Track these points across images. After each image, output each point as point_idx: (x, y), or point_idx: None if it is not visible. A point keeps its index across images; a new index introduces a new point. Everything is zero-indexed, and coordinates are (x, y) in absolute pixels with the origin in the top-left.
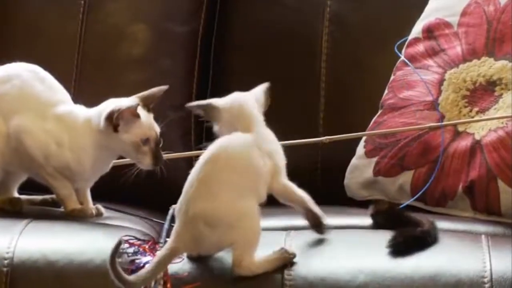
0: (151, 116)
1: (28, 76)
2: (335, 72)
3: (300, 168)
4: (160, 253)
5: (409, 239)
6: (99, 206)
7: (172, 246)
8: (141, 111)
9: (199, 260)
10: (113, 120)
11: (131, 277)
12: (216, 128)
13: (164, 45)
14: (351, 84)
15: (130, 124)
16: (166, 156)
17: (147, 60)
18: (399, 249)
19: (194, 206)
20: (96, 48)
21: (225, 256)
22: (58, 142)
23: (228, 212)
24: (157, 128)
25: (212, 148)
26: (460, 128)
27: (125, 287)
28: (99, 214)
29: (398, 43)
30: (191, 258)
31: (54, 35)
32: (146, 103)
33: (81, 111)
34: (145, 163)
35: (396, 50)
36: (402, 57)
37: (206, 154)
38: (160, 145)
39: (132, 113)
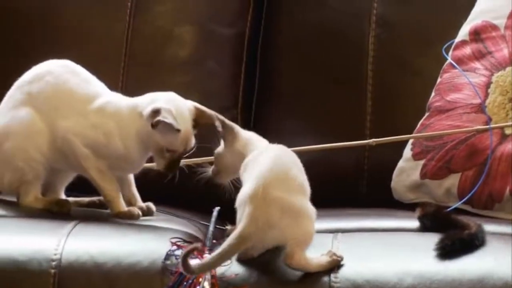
0: (193, 132)
1: (60, 71)
2: (382, 74)
3: (346, 171)
4: (229, 239)
5: (457, 242)
6: (150, 204)
7: (244, 231)
8: (186, 124)
9: (247, 262)
10: (153, 120)
11: (195, 264)
12: (218, 149)
13: (210, 47)
14: (397, 87)
15: (167, 130)
16: (187, 161)
17: (194, 62)
18: (446, 251)
19: (273, 192)
20: (143, 50)
21: (273, 260)
22: (105, 133)
23: (300, 207)
24: (191, 144)
25: (273, 147)
26: (507, 131)
27: (187, 273)
28: (149, 213)
29: (446, 45)
30: (240, 261)
31: (101, 38)
32: (197, 119)
33: (121, 99)
34: (159, 165)
35: (444, 52)
36: (450, 60)
37: (271, 151)
38: (189, 153)
39: (167, 127)
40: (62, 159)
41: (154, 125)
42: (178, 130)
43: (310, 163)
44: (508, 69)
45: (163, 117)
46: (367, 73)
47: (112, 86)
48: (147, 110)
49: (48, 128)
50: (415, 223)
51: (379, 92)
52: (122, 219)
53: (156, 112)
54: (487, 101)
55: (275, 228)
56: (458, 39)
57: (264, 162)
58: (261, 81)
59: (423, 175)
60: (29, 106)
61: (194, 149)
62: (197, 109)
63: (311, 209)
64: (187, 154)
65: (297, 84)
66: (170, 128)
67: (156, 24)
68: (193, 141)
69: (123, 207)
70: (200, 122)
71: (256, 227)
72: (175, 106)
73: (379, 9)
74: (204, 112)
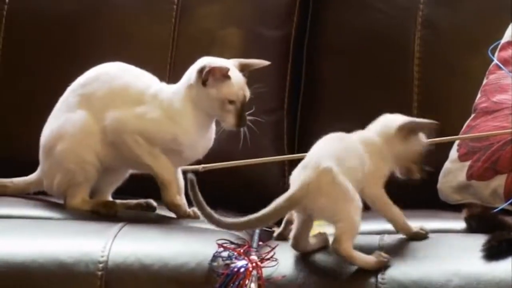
0: (244, 80)
1: (113, 70)
2: (428, 76)
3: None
4: (278, 200)
5: (504, 243)
6: (195, 210)
7: (295, 194)
8: (234, 72)
9: (294, 264)
10: (203, 75)
11: (240, 220)
12: None
13: (256, 49)
14: (443, 88)
15: (219, 82)
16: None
17: None
18: (493, 253)
19: (326, 162)
20: (188, 52)
21: (320, 262)
22: (154, 119)
23: (350, 191)
24: (247, 92)
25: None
26: None
27: (235, 229)
28: (195, 217)
29: (491, 47)
30: (279, 238)
31: (146, 40)
32: (243, 69)
33: (171, 86)
34: (228, 121)
35: (490, 54)
36: (495, 61)
37: (328, 136)
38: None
39: (222, 73)
40: (115, 154)
41: (204, 81)
42: (228, 76)
43: None
44: None
45: (209, 66)
46: (412, 75)
47: None
48: (194, 75)
49: (100, 127)
50: (462, 224)
51: (425, 94)
52: (170, 211)
53: (201, 70)
54: None
55: (325, 197)
56: (504, 40)
57: (321, 141)
58: (307, 83)
59: (469, 176)
60: (82, 108)
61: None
62: (239, 61)
63: (359, 199)
64: (248, 108)
65: (342, 87)
66: (220, 76)
67: (201, 26)
68: (247, 89)
69: (177, 197)
70: (245, 69)
71: (307, 191)
72: (215, 60)
73: (425, 10)
74: (246, 62)
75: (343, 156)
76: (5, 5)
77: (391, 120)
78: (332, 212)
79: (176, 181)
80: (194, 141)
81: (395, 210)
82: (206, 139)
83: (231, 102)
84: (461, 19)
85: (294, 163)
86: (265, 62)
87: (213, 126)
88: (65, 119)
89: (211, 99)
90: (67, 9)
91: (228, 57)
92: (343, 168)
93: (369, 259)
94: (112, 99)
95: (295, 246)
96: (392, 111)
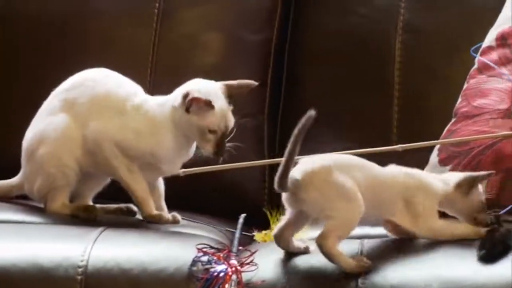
0: (230, 108)
1: (97, 77)
2: (408, 80)
3: None
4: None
5: (498, 245)
6: (176, 214)
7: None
8: (220, 101)
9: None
10: (186, 102)
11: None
12: None
13: (237, 53)
14: (424, 92)
15: (202, 110)
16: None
17: (220, 69)
18: (489, 255)
19: (322, 161)
20: (169, 57)
21: (300, 267)
22: (136, 131)
23: (347, 188)
24: (230, 122)
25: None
26: None
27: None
28: (175, 222)
29: (473, 48)
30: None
31: (128, 44)
32: (230, 93)
33: (154, 98)
34: (207, 150)
35: (472, 53)
36: (477, 57)
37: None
38: (231, 135)
39: (206, 103)
40: (93, 162)
41: (188, 108)
42: (212, 106)
43: None
44: None
45: (191, 95)
46: (393, 79)
47: None
48: (178, 99)
49: (81, 133)
50: None
51: (406, 99)
52: (150, 223)
53: (186, 96)
54: None
55: (317, 191)
56: (484, 44)
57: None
58: (288, 87)
59: None
60: (65, 112)
61: (234, 130)
62: (226, 85)
63: (360, 203)
64: (230, 135)
65: (323, 91)
66: (203, 106)
67: (182, 30)
68: (232, 119)
69: (154, 209)
70: (233, 93)
71: (304, 173)
72: (202, 86)
73: (406, 14)
74: (234, 84)
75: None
76: None
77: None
78: (322, 207)
79: (150, 196)
80: (173, 157)
81: (459, 227)
82: (185, 155)
83: (211, 131)
84: (442, 24)
85: (275, 168)
86: (253, 83)
87: (194, 144)
88: (47, 123)
89: (192, 126)
90: (54, 13)
91: (210, 61)
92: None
93: (350, 261)
94: (94, 106)
95: (277, 239)
96: (373, 115)
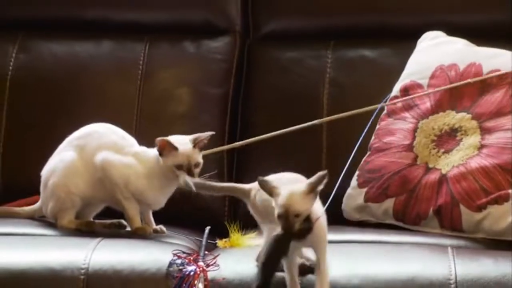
0: (195, 150)
1: (103, 130)
2: (335, 124)
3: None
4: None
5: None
6: (162, 226)
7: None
8: (184, 145)
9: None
10: (157, 147)
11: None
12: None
13: (202, 104)
14: (347, 133)
15: (169, 152)
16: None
17: (190, 116)
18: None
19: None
20: (150, 107)
21: (253, 267)
22: (135, 172)
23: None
24: (195, 159)
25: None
26: (430, 165)
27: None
28: (162, 232)
29: (385, 99)
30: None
31: (117, 97)
32: (195, 142)
33: (150, 150)
34: (180, 180)
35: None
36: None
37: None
38: (198, 169)
39: (168, 146)
40: (99, 189)
41: (160, 152)
42: (175, 148)
43: None
44: (430, 117)
45: (157, 141)
46: (322, 125)
47: None
48: (156, 148)
49: (86, 167)
50: (363, 237)
51: (332, 139)
52: (137, 234)
53: (156, 144)
54: (415, 142)
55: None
56: (392, 94)
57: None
58: (242, 130)
59: (366, 200)
60: (74, 152)
61: (201, 165)
62: (193, 137)
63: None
64: (197, 169)
65: (269, 132)
66: (169, 150)
67: (160, 86)
68: (196, 157)
69: (140, 224)
70: (197, 143)
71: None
72: (174, 136)
73: (332, 73)
74: (197, 136)
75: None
76: (9, 71)
77: None
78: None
79: (138, 214)
80: (160, 199)
81: None
82: (169, 192)
83: (178, 167)
84: (359, 80)
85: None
86: (209, 133)
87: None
88: (58, 159)
89: (166, 166)
90: (59, 75)
91: (182, 110)
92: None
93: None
94: (100, 149)
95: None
96: (307, 152)
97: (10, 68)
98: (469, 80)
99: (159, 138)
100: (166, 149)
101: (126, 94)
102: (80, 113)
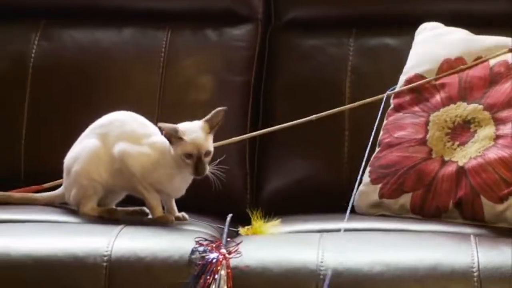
0: (209, 136)
1: (125, 118)
2: (356, 112)
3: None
4: None
5: None
6: (184, 214)
7: None
8: (194, 133)
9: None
10: (163, 135)
11: None
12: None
13: (224, 92)
14: (368, 122)
15: (176, 142)
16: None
17: (212, 104)
18: None
19: None
20: (172, 95)
21: (277, 253)
22: (153, 162)
23: None
24: (205, 147)
25: None
26: (446, 158)
27: None
28: (184, 220)
29: (388, 91)
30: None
31: (139, 86)
32: (211, 124)
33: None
34: (189, 171)
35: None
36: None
37: None
38: (208, 158)
39: (174, 135)
40: (119, 178)
41: (169, 140)
42: (181, 138)
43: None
44: (441, 110)
45: (162, 130)
46: (344, 112)
47: None
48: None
49: (108, 156)
50: (384, 225)
51: (354, 127)
52: (159, 222)
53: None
54: (428, 136)
55: None
56: (397, 88)
57: None
58: (264, 119)
59: (381, 196)
60: (96, 139)
61: (211, 154)
62: (205, 120)
63: None
64: (208, 158)
65: (291, 120)
66: (176, 139)
67: (183, 74)
68: (206, 146)
69: (161, 212)
70: (213, 124)
71: None
72: (182, 125)
73: (353, 61)
74: (209, 117)
75: None
76: (31, 59)
77: None
78: None
79: (160, 203)
80: (178, 187)
81: None
82: (187, 181)
83: (188, 156)
84: (381, 67)
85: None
86: (221, 109)
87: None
88: (81, 146)
89: (175, 154)
90: (81, 63)
91: (203, 98)
92: None
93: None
94: (121, 137)
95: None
96: (328, 141)
97: (33, 55)
98: (461, 67)
99: (160, 124)
100: (173, 137)
101: (148, 82)
102: (102, 101)
